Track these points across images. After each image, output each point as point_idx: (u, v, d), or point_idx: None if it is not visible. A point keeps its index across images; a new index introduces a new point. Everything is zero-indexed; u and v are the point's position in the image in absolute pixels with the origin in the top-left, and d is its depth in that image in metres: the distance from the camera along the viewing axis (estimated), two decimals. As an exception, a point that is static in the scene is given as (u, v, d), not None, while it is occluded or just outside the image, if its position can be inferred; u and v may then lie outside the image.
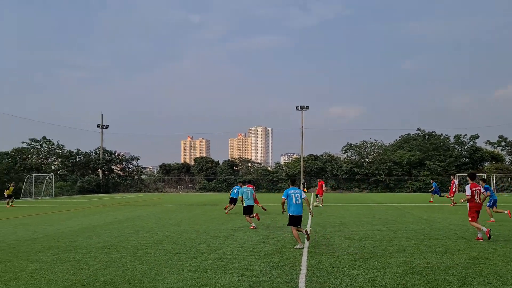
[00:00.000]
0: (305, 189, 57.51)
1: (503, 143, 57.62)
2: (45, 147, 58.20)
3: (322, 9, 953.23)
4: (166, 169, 67.24)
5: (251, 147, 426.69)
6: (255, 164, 72.61)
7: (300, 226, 10.59)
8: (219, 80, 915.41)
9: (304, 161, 60.53)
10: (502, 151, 58.49)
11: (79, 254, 9.54)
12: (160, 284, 6.83)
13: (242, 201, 15.76)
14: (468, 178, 11.89)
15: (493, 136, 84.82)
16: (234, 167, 66.56)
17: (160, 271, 7.72)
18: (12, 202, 30.06)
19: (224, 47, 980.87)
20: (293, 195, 10.50)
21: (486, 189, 13.71)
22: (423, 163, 56.28)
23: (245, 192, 15.66)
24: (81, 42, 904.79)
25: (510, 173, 51.72)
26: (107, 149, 66.19)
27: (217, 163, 66.45)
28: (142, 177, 69.74)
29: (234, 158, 75.00)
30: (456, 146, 58.99)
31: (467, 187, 11.44)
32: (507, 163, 57.64)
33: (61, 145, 60.09)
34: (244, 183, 17.65)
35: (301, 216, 10.51)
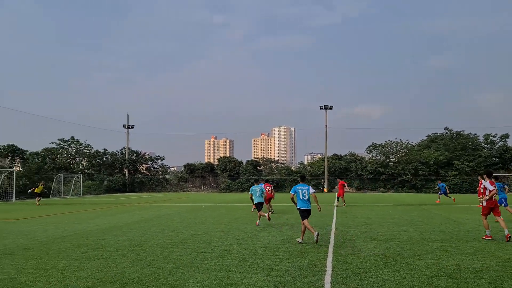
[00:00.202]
0: (325, 189, 57.08)
1: (535, 143, 55.76)
2: (73, 147, 59.63)
3: (347, 6, 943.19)
4: (190, 168, 67.90)
5: (274, 147, 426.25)
6: (279, 164, 72.57)
7: (307, 220, 11.09)
8: (242, 80, 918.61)
9: (328, 161, 60.07)
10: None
11: (107, 252, 9.74)
12: (186, 282, 6.90)
13: (251, 198, 16.38)
14: (485, 176, 12.05)
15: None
16: (258, 167, 66.63)
17: (185, 270, 7.81)
18: (39, 200, 30.98)
19: (247, 47, 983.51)
20: (300, 191, 11.15)
21: (499, 188, 14.02)
22: (451, 163, 55.01)
23: (254, 191, 16.26)
24: (107, 43, 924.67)
25: (542, 173, 49.99)
26: (133, 149, 67.39)
27: (241, 163, 66.67)
28: (167, 176, 70.64)
29: (257, 158, 75.09)
30: (486, 145, 57.41)
31: (488, 184, 11.56)
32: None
33: (88, 145, 61.48)
34: (256, 181, 18.12)
35: (309, 210, 11.13)
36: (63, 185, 45.08)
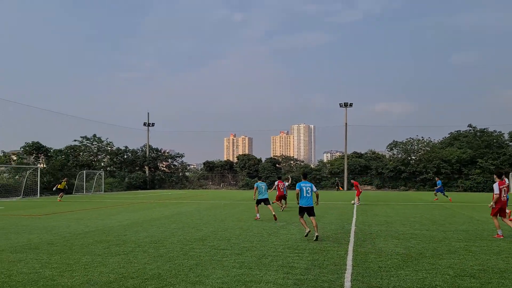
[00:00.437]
0: (340, 187, 56.59)
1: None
2: (95, 144, 60.63)
3: (368, 3, 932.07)
4: (209, 166, 68.29)
5: (293, 145, 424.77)
6: (298, 162, 72.32)
7: (314, 215, 11.53)
8: (262, 78, 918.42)
9: (347, 158, 59.58)
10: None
11: (128, 248, 9.88)
12: (206, 279, 6.95)
13: (255, 193, 17.02)
14: (495, 177, 12.00)
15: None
16: (277, 165, 66.56)
17: (205, 267, 7.85)
18: (61, 197, 31.69)
19: (267, 45, 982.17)
20: (304, 188, 11.60)
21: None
22: (475, 161, 53.88)
23: (260, 187, 16.97)
24: (129, 42, 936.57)
25: None
26: (153, 147, 68.15)
27: (260, 160, 66.71)
28: (187, 174, 71.17)
29: (276, 156, 75.04)
30: (511, 143, 56.02)
31: (495, 186, 11.62)
32: None
33: (110, 142, 62.42)
34: (259, 178, 19.03)
35: (312, 207, 11.60)
36: (85, 182, 45.93)
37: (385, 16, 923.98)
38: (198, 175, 70.69)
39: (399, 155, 60.08)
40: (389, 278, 7.02)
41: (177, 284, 6.63)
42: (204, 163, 70.58)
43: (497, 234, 11.72)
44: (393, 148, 60.90)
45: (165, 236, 11.79)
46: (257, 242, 10.76)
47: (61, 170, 46.64)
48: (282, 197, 20.71)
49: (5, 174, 44.22)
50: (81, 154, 57.61)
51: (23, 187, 37.62)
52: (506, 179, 12.26)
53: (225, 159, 78.72)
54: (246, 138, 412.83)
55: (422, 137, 60.81)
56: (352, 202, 25.54)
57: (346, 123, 59.51)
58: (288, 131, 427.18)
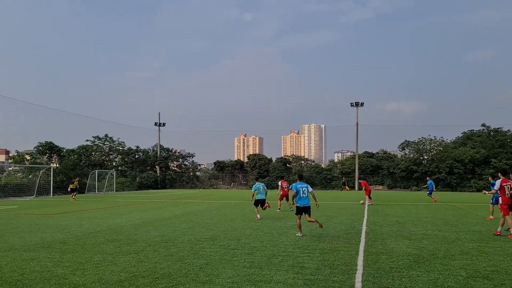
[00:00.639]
0: (347, 187, 56.21)
1: None
2: (107, 144, 61.12)
3: (379, 1, 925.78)
4: (220, 166, 68.42)
5: (304, 144, 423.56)
6: (308, 162, 72.10)
7: (309, 215, 11.95)
8: (272, 77, 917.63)
9: (358, 158, 59.23)
10: None
11: (139, 247, 9.94)
12: (216, 278, 6.95)
13: (253, 196, 17.19)
14: (499, 174, 12.17)
15: None
16: (287, 164, 66.44)
17: (215, 266, 7.86)
18: (74, 196, 32.07)
19: (276, 44, 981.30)
20: (301, 189, 11.90)
21: (492, 185, 14.00)
22: (488, 161, 53.16)
23: (258, 188, 17.12)
24: (139, 43, 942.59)
25: None
26: (164, 147, 68.49)
27: (270, 160, 66.64)
28: (197, 173, 71.40)
29: (287, 155, 74.88)
30: (525, 143, 55.17)
31: (498, 182, 11.89)
32: None
33: (122, 142, 62.87)
34: (257, 179, 19.29)
35: (308, 207, 11.93)
36: (97, 181, 46.37)
37: (396, 14, 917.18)
38: (208, 175, 70.86)
39: (411, 155, 59.55)
40: (400, 279, 6.95)
41: (187, 283, 6.65)
42: (214, 163, 70.74)
43: (511, 234, 11.69)
44: (405, 147, 60.38)
45: (176, 236, 11.84)
46: (267, 241, 10.75)
47: (73, 169, 47.11)
48: (286, 197, 20.70)
49: (19, 174, 44.83)
50: (93, 153, 58.12)
51: (37, 187, 38.11)
52: None
53: (236, 158, 78.82)
54: (257, 138, 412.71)
55: (435, 136, 60.27)
56: (361, 202, 25.37)
57: (357, 123, 59.20)
58: (298, 131, 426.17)
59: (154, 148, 67.78)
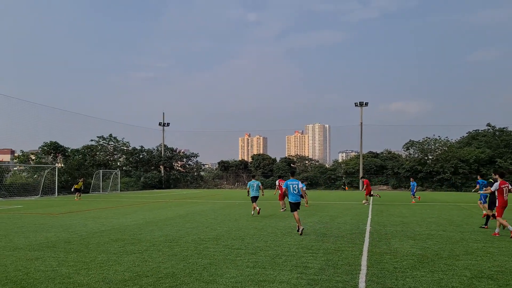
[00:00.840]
0: (346, 187, 56.03)
1: None
2: (111, 144, 61.30)
3: (383, 1, 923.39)
4: (224, 166, 68.47)
5: (308, 144, 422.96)
6: (313, 162, 72.01)
7: (299, 209, 12.45)
8: (276, 77, 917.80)
9: (363, 158, 59.09)
10: None
11: (143, 247, 9.96)
12: (220, 278, 6.96)
13: (248, 192, 18.25)
14: (497, 176, 12.37)
15: None
16: (291, 164, 66.38)
17: (219, 266, 7.87)
18: (79, 196, 32.23)
19: (281, 44, 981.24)
20: (291, 185, 12.36)
21: (478, 184, 15.15)
22: (493, 161, 52.85)
23: (251, 186, 18.13)
24: (144, 43, 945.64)
25: None
26: (168, 146, 68.62)
27: (274, 160, 66.61)
28: (202, 173, 71.49)
29: (291, 155, 74.83)
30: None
31: (496, 184, 12.00)
32: None
33: (126, 142, 63.04)
34: (253, 177, 20.07)
35: (299, 203, 12.46)
36: (102, 181, 46.54)
37: (400, 14, 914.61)
38: (213, 175, 70.92)
39: (416, 155, 59.30)
40: (404, 279, 6.93)
41: (191, 283, 6.66)
42: (219, 163, 70.80)
43: (494, 232, 12.13)
44: (410, 147, 60.13)
45: (180, 235, 11.86)
46: (271, 241, 10.75)
47: (78, 169, 47.31)
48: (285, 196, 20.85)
49: (24, 174, 45.09)
50: (97, 153, 58.31)
51: (41, 186, 38.30)
52: None
53: (240, 158, 78.80)
54: (261, 138, 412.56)
55: (439, 136, 59.98)
56: (364, 202, 25.33)
57: (361, 123, 59.04)
58: (302, 131, 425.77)
59: (159, 148, 67.94)
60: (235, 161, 70.62)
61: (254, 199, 17.97)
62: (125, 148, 62.97)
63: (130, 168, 62.83)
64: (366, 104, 58.67)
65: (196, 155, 70.26)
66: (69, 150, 51.10)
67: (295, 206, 12.35)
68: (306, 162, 69.84)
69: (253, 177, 20.13)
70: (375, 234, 12.22)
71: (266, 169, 63.86)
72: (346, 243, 10.48)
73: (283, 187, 12.61)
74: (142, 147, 66.29)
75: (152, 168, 65.70)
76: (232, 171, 67.13)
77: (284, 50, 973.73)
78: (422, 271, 7.47)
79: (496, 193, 12.03)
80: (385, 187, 57.49)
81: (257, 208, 17.61)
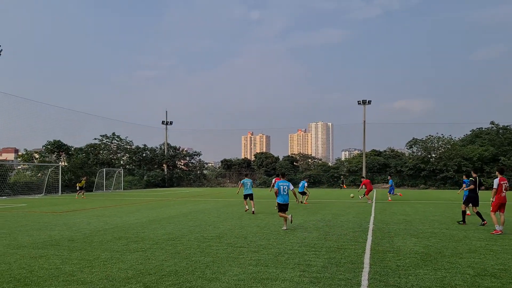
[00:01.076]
0: (344, 185, 55.90)
1: None
2: (115, 143, 61.45)
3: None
4: (227, 164, 68.53)
5: (311, 143, 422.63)
6: (316, 160, 71.97)
7: (287, 210, 12.86)
8: (279, 75, 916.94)
9: (366, 156, 58.99)
10: None
11: (146, 245, 9.99)
12: (222, 276, 6.97)
13: (239, 190, 18.87)
14: (497, 172, 12.50)
15: None
16: (294, 163, 66.37)
17: (222, 264, 7.89)
18: (83, 194, 32.38)
19: (283, 42, 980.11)
20: (282, 186, 12.73)
21: (465, 183, 15.16)
22: (497, 159, 52.68)
23: (245, 183, 18.68)
24: (146, 42, 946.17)
25: None
26: (171, 145, 68.71)
27: (277, 158, 66.61)
28: (205, 172, 71.60)
29: (294, 154, 74.86)
30: (535, 140, 54.59)
31: (496, 181, 12.10)
32: None
33: (130, 141, 63.18)
34: (246, 175, 20.41)
35: (287, 204, 12.83)
36: (105, 180, 46.65)
37: (404, 12, 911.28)
38: (216, 173, 71.03)
39: (419, 153, 59.17)
40: (407, 277, 6.93)
41: (193, 281, 6.68)
42: (221, 161, 70.87)
43: (495, 230, 12.02)
44: (413, 145, 60.01)
45: (183, 234, 11.88)
46: (273, 240, 10.75)
47: (81, 168, 47.44)
48: None
49: (28, 172, 45.25)
50: (101, 152, 58.47)
51: (45, 185, 38.44)
52: None
53: (243, 157, 78.91)
54: (264, 136, 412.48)
55: (443, 134, 59.79)
56: (369, 201, 25.30)
57: (364, 121, 58.94)
58: (305, 129, 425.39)
59: (162, 146, 68.04)
60: (238, 159, 70.68)
61: (249, 196, 18.38)
62: (128, 146, 63.11)
63: (133, 167, 62.96)
64: (369, 102, 58.55)
65: (199, 154, 70.38)
66: (72, 149, 51.24)
67: (284, 207, 12.77)
68: (309, 160, 69.81)
69: (246, 175, 20.52)
70: (378, 232, 12.21)
71: (269, 168, 63.86)
72: (349, 241, 10.48)
73: (275, 188, 12.96)
74: (145, 145, 66.44)
75: (155, 166, 65.81)
76: (235, 170, 67.17)
77: (287, 49, 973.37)
78: (425, 269, 7.46)
79: (496, 190, 12.10)
80: (388, 185, 57.35)
81: (253, 209, 17.99)
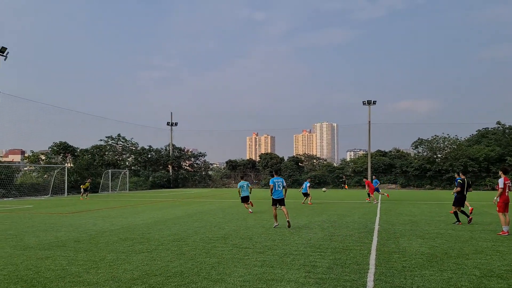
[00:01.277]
0: (346, 185, 55.72)
1: None
2: (120, 144, 61.67)
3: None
4: (232, 165, 68.57)
5: (316, 143, 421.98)
6: (320, 160, 71.83)
7: (284, 205, 13.53)
8: (284, 76, 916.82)
9: (371, 157, 58.82)
10: None
11: (152, 246, 10.02)
12: (228, 277, 6.98)
13: (239, 192, 19.08)
14: (500, 172, 12.43)
15: None
16: (299, 163, 66.28)
17: (227, 265, 7.90)
18: (87, 196, 32.74)
19: (288, 43, 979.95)
20: (276, 183, 13.54)
21: (456, 181, 15.15)
22: (503, 159, 52.31)
23: (242, 186, 19.08)
24: (151, 43, 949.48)
25: None
26: (177, 146, 68.84)
27: (282, 159, 66.55)
28: (210, 173, 71.69)
29: (299, 154, 74.72)
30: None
31: (500, 181, 12.09)
32: None
33: (135, 142, 63.39)
34: (242, 178, 20.75)
35: (282, 199, 13.51)
36: (111, 181, 46.83)
37: (409, 12, 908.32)
38: (221, 174, 71.07)
39: (425, 153, 58.92)
40: (413, 278, 6.91)
41: (199, 282, 6.70)
42: (226, 162, 70.93)
43: (502, 230, 11.98)
44: (418, 146, 59.75)
45: (188, 234, 11.91)
46: (279, 240, 10.75)
47: (87, 169, 47.65)
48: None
49: (34, 174, 45.54)
50: (106, 153, 58.69)
51: (51, 186, 38.66)
52: None
53: (248, 158, 78.91)
54: (269, 137, 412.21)
55: (448, 134, 59.51)
56: (375, 201, 25.25)
57: (369, 121, 58.74)
58: (310, 130, 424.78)
59: (167, 147, 68.19)
60: (243, 160, 70.72)
61: (246, 199, 18.92)
62: (133, 148, 63.31)
63: (138, 168, 63.16)
64: (374, 102, 58.35)
65: (204, 155, 70.53)
66: (78, 150, 51.49)
67: (277, 202, 13.50)
68: (314, 161, 69.70)
69: (242, 178, 20.85)
70: (383, 233, 12.18)
71: (274, 168, 63.78)
72: (354, 242, 10.45)
73: (270, 184, 13.67)
74: (150, 146, 66.64)
75: (161, 167, 65.96)
76: (240, 170, 67.16)
77: (292, 49, 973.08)
78: (431, 270, 7.43)
79: (501, 190, 12.05)
80: (393, 186, 57.20)
81: (250, 210, 18.57)
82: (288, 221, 13.34)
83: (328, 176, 60.32)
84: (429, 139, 58.96)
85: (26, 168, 48.48)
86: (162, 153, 67.17)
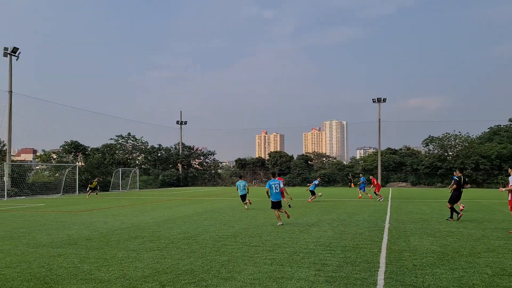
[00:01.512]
0: (352, 184, 55.39)
1: None
2: (130, 143, 62.09)
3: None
4: (241, 163, 68.67)
5: (325, 141, 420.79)
6: (330, 159, 71.65)
7: (281, 208, 13.79)
8: (293, 74, 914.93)
9: (381, 155, 58.47)
10: None
11: (162, 244, 10.08)
12: (238, 275, 7.00)
13: (237, 191, 19.81)
14: (510, 171, 12.42)
15: None
16: (309, 162, 66.15)
17: (237, 263, 7.91)
18: (97, 194, 33.15)
19: (297, 41, 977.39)
20: (273, 185, 13.66)
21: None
22: (515, 157, 51.74)
23: (239, 185, 19.82)
24: (161, 42, 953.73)
25: None
26: (186, 145, 69.13)
27: (291, 157, 66.48)
28: (219, 171, 71.90)
29: (308, 153, 74.61)
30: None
31: (511, 179, 11.91)
32: None
33: (145, 141, 63.78)
34: (240, 177, 21.36)
35: (280, 201, 13.70)
36: (121, 179, 47.18)
37: (418, 8, 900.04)
38: (230, 172, 71.22)
39: (435, 151, 58.44)
40: (423, 276, 6.86)
41: (209, 280, 6.72)
42: (236, 160, 71.05)
43: None
44: (429, 143, 59.29)
45: (198, 233, 11.96)
46: (288, 239, 10.75)
47: (98, 168, 48.07)
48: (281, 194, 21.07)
49: (45, 172, 46.08)
50: (116, 152, 59.14)
51: (63, 185, 39.06)
52: None
53: (257, 156, 78.95)
54: (278, 135, 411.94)
55: (460, 132, 58.96)
56: (381, 199, 25.11)
57: (379, 119, 58.40)
58: (320, 128, 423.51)
59: (176, 146, 68.50)
60: (252, 158, 70.74)
61: (242, 197, 19.71)
62: (143, 146, 63.70)
63: (148, 166, 63.55)
64: (384, 100, 57.98)
65: (213, 153, 70.77)
66: (89, 149, 51.96)
67: (276, 205, 13.63)
68: (324, 159, 69.60)
69: (240, 177, 21.31)
70: (394, 231, 12.11)
71: (283, 166, 63.76)
72: (364, 240, 10.41)
73: (266, 187, 13.93)
74: (160, 145, 67.03)
75: (170, 166, 66.29)
76: (249, 169, 67.26)
77: (300, 47, 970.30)
78: (442, 269, 7.37)
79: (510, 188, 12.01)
80: (404, 183, 56.82)
81: (245, 207, 19.51)
82: (287, 214, 14.08)
83: (338, 174, 60.10)
84: (440, 137, 58.47)
85: (38, 167, 49.06)
86: (171, 151, 67.48)
